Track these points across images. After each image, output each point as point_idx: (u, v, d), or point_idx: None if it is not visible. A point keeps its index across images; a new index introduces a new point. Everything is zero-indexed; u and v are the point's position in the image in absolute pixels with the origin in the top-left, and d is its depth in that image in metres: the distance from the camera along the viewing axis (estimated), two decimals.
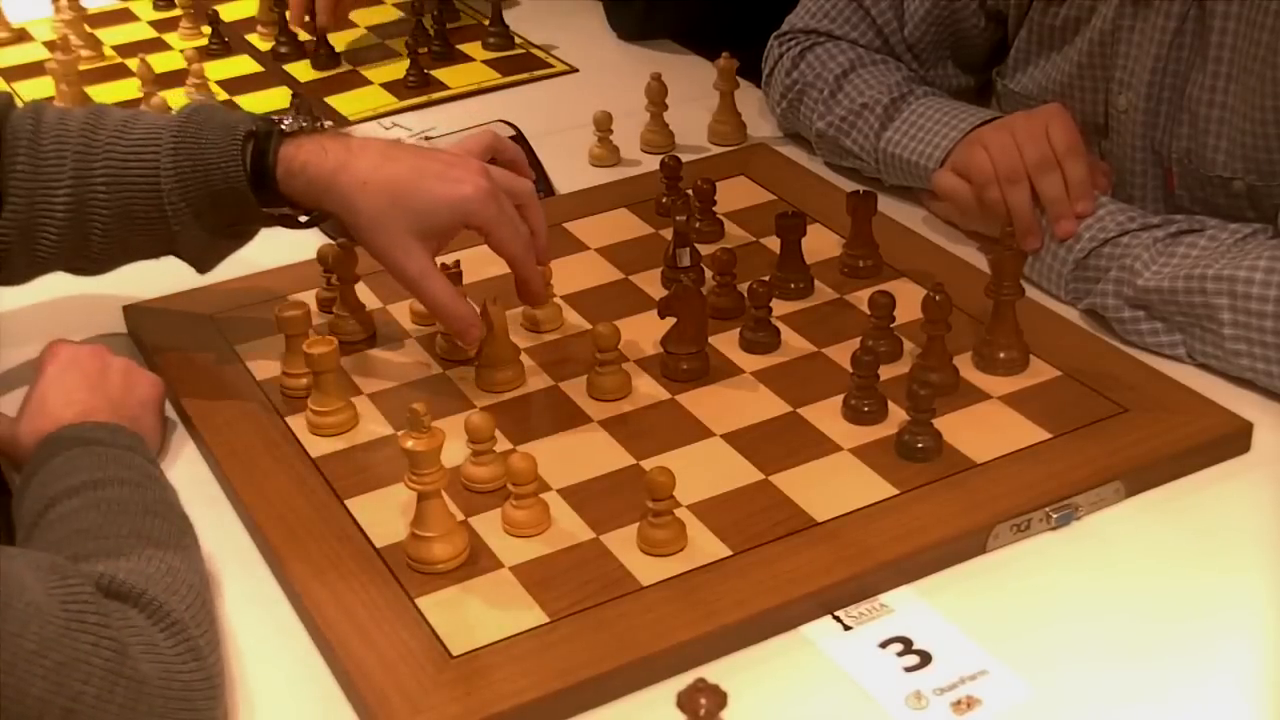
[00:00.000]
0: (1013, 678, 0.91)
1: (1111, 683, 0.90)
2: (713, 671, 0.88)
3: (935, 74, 1.53)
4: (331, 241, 1.27)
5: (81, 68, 1.73)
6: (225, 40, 1.87)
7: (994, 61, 1.53)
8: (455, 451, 1.06)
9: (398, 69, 1.77)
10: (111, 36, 1.90)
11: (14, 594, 0.78)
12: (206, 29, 1.88)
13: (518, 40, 1.87)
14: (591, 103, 1.58)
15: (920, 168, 1.37)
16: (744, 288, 1.22)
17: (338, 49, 1.83)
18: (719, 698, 0.71)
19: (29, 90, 1.77)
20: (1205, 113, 1.28)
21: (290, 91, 1.70)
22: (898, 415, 1.09)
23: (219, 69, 1.80)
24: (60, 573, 0.83)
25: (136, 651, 0.83)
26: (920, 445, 1.07)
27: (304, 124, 1.22)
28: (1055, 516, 1.02)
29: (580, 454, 1.10)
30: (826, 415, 1.12)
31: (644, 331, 1.21)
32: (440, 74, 1.78)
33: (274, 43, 1.85)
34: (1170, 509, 1.05)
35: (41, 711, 0.77)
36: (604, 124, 1.55)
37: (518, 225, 1.16)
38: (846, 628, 0.95)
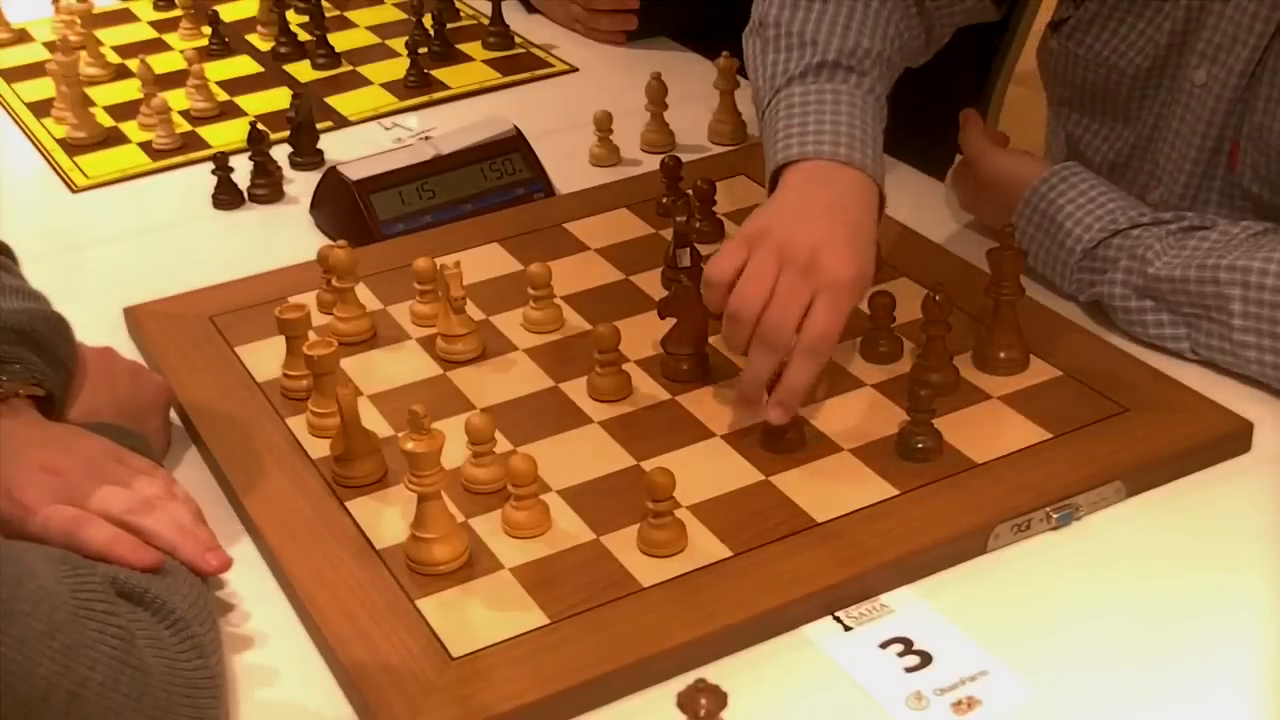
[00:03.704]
0: (1013, 678, 0.91)
1: (1111, 683, 0.90)
2: (713, 672, 0.88)
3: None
4: (332, 243, 1.27)
5: (82, 69, 1.72)
6: (225, 40, 1.87)
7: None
8: (455, 453, 1.05)
9: (398, 69, 1.77)
10: (111, 37, 1.90)
11: (25, 576, 0.79)
12: (206, 29, 1.88)
13: (518, 40, 1.87)
14: (591, 103, 1.58)
15: (772, 157, 1.19)
16: None
17: (338, 49, 1.83)
18: (719, 698, 0.71)
19: (29, 90, 1.78)
20: None
21: (290, 92, 1.70)
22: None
23: (219, 69, 1.80)
24: (71, 564, 0.85)
25: (143, 644, 0.83)
26: (920, 445, 1.07)
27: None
28: (1056, 516, 1.02)
29: (580, 455, 1.09)
30: (827, 415, 1.12)
31: (644, 332, 1.21)
32: (440, 74, 1.78)
33: (274, 43, 1.85)
34: (1171, 509, 1.05)
35: (48, 692, 0.78)
36: (604, 124, 1.55)
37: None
38: (847, 628, 0.95)
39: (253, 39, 1.90)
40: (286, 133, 1.58)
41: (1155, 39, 1.33)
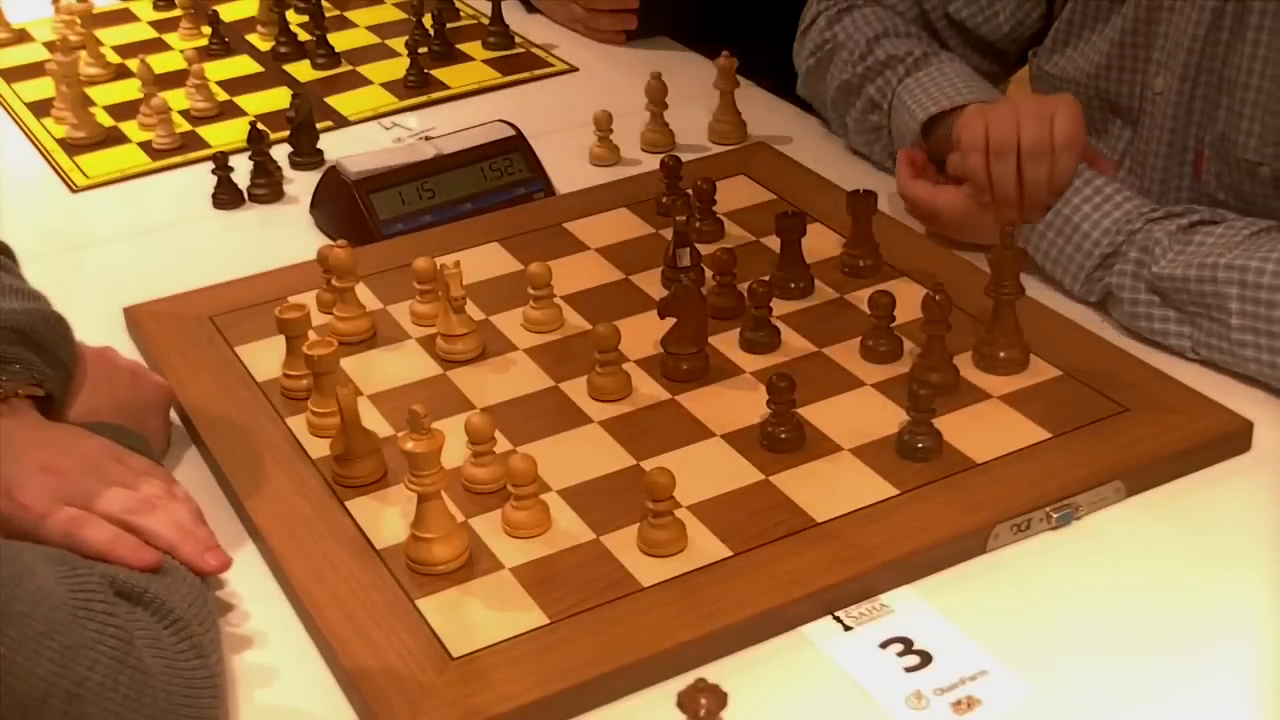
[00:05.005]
0: (1013, 678, 0.91)
1: (1111, 683, 0.90)
2: (713, 672, 0.88)
3: (963, 54, 1.51)
4: (332, 243, 1.27)
5: (82, 69, 1.72)
6: (225, 40, 1.87)
7: (1020, 50, 1.52)
8: (455, 452, 1.06)
9: (398, 69, 1.77)
10: (111, 37, 1.90)
11: (24, 576, 0.80)
12: (206, 29, 1.88)
13: (518, 40, 1.87)
14: (591, 102, 1.58)
15: (914, 118, 1.38)
16: (744, 288, 1.22)
17: (338, 49, 1.83)
18: (719, 698, 0.71)
19: (29, 90, 1.78)
20: (1241, 95, 1.27)
21: (290, 92, 1.70)
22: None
23: (219, 69, 1.80)
24: (70, 564, 0.85)
25: (141, 644, 0.83)
26: (920, 445, 1.07)
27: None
28: (1055, 516, 1.02)
29: (580, 455, 1.09)
30: (827, 415, 1.12)
31: (644, 331, 1.21)
32: (440, 74, 1.78)
33: (274, 43, 1.85)
34: (1170, 509, 1.05)
35: (47, 693, 0.78)
36: (604, 124, 1.55)
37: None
38: (847, 628, 0.95)
39: (253, 39, 1.90)
40: (286, 133, 1.58)
41: (1109, 50, 1.36)
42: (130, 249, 1.46)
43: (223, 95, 1.74)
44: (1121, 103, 1.38)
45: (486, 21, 1.88)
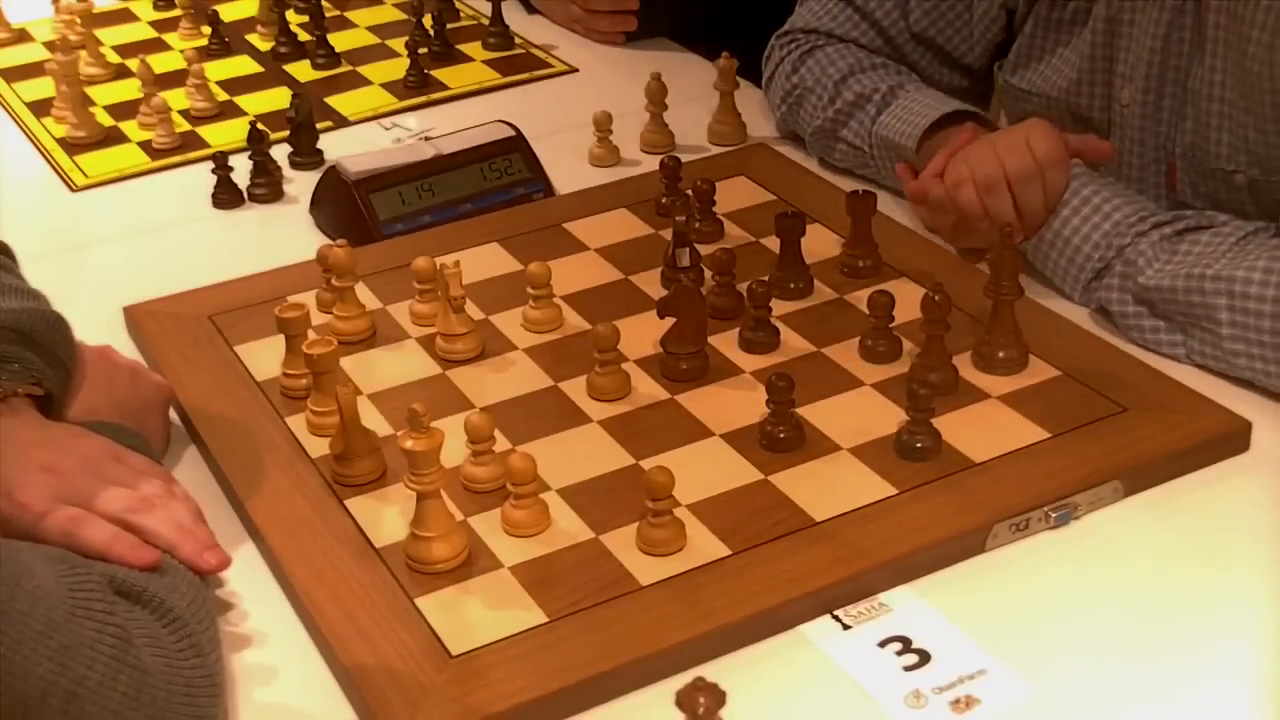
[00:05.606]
0: (1012, 677, 0.91)
1: (1111, 683, 0.91)
2: (712, 671, 0.88)
3: (932, 71, 1.52)
4: (331, 242, 1.27)
5: (82, 68, 1.72)
6: (225, 40, 1.87)
7: (991, 60, 1.52)
8: (455, 451, 1.06)
9: (398, 69, 1.77)
10: (111, 37, 1.90)
11: (23, 575, 0.80)
12: (206, 29, 1.88)
13: (518, 40, 1.87)
14: (591, 103, 1.58)
15: (903, 148, 1.37)
16: (744, 288, 1.22)
17: (338, 49, 1.83)
18: (718, 697, 0.71)
19: (29, 90, 1.78)
20: (1206, 105, 1.28)
21: (290, 92, 1.70)
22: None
23: (219, 69, 1.80)
24: (69, 563, 0.85)
25: (141, 643, 0.83)
26: (919, 445, 1.07)
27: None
28: (1054, 516, 1.02)
29: (580, 454, 1.10)
30: (826, 415, 1.12)
31: (644, 331, 1.21)
32: (440, 74, 1.78)
33: (274, 43, 1.85)
34: (1169, 508, 1.05)
35: (45, 692, 0.78)
36: (604, 124, 1.55)
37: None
38: (845, 627, 0.95)
39: (253, 39, 1.90)
40: (286, 133, 1.58)
41: (1079, 64, 1.37)
42: (130, 249, 1.46)
43: (223, 95, 1.74)
44: (1093, 116, 1.38)
45: (486, 22, 1.88)
